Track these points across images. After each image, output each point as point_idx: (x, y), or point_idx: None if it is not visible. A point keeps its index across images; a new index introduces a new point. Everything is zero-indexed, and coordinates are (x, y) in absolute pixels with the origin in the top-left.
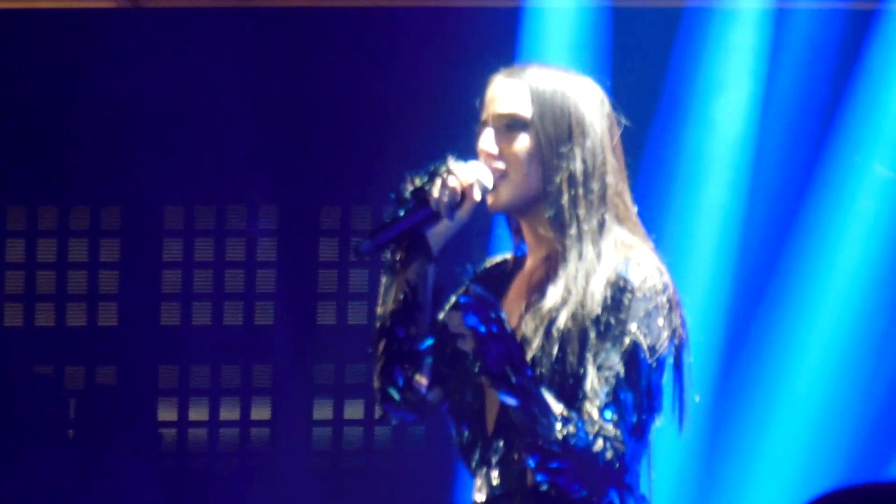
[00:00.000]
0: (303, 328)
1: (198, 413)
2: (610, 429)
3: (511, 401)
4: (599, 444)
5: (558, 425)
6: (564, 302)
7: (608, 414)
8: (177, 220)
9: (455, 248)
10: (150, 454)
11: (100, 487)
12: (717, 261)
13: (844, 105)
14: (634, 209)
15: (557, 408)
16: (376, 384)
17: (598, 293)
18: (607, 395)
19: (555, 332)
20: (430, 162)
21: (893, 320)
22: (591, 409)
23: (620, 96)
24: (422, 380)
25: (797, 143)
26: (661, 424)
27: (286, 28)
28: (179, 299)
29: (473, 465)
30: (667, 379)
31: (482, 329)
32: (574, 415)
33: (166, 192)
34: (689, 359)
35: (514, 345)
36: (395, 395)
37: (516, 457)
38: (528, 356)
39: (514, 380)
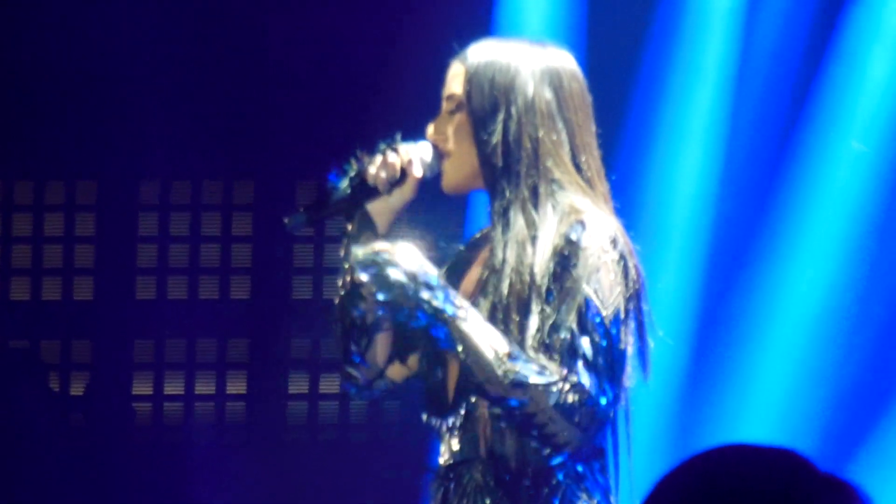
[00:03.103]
0: (278, 302)
1: (173, 387)
2: (565, 373)
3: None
4: (550, 378)
5: (497, 366)
6: (499, 274)
7: (558, 363)
8: (152, 195)
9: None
10: (125, 428)
11: (75, 461)
12: (689, 241)
13: (819, 81)
14: (593, 173)
15: (499, 349)
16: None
17: (540, 262)
18: (562, 350)
19: (492, 308)
20: (381, 141)
21: (866, 301)
22: (542, 359)
23: (595, 73)
24: (379, 355)
25: (772, 119)
26: (632, 384)
27: (269, 2)
28: (155, 273)
29: (437, 432)
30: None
31: (385, 295)
32: (520, 355)
33: (142, 167)
34: (647, 307)
35: (423, 293)
36: (354, 372)
37: (478, 422)
38: None
39: (437, 330)
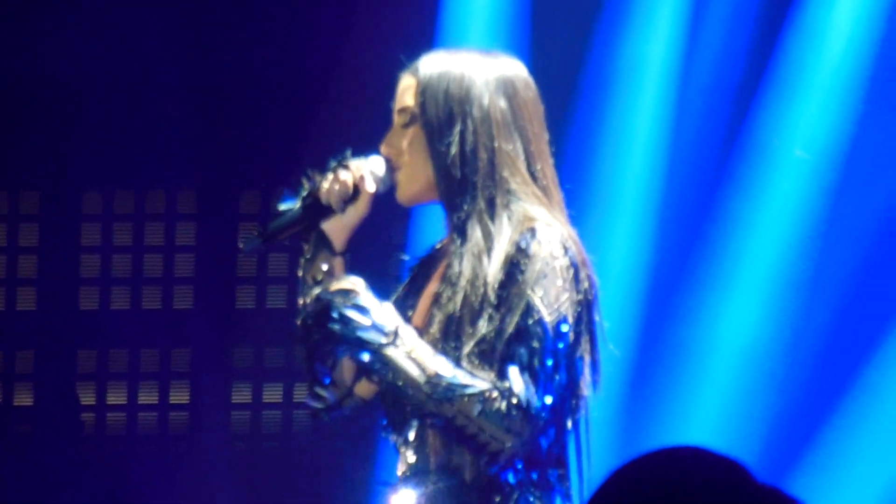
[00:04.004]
0: (221, 312)
1: (116, 397)
2: (496, 381)
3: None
4: (477, 388)
5: (425, 386)
6: (454, 286)
7: (494, 370)
8: (95, 205)
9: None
10: (70, 438)
11: (20, 471)
12: (634, 243)
13: (762, 86)
14: (549, 182)
15: (427, 367)
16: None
17: (492, 272)
18: (499, 356)
19: (447, 321)
20: (335, 156)
21: (811, 307)
22: (477, 369)
23: (540, 75)
24: (346, 373)
25: (715, 124)
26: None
27: (206, 7)
28: (98, 283)
29: (395, 445)
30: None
31: (320, 332)
32: (447, 371)
33: (84, 177)
34: (599, 318)
35: (353, 328)
36: (322, 392)
37: (429, 435)
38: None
39: (367, 359)
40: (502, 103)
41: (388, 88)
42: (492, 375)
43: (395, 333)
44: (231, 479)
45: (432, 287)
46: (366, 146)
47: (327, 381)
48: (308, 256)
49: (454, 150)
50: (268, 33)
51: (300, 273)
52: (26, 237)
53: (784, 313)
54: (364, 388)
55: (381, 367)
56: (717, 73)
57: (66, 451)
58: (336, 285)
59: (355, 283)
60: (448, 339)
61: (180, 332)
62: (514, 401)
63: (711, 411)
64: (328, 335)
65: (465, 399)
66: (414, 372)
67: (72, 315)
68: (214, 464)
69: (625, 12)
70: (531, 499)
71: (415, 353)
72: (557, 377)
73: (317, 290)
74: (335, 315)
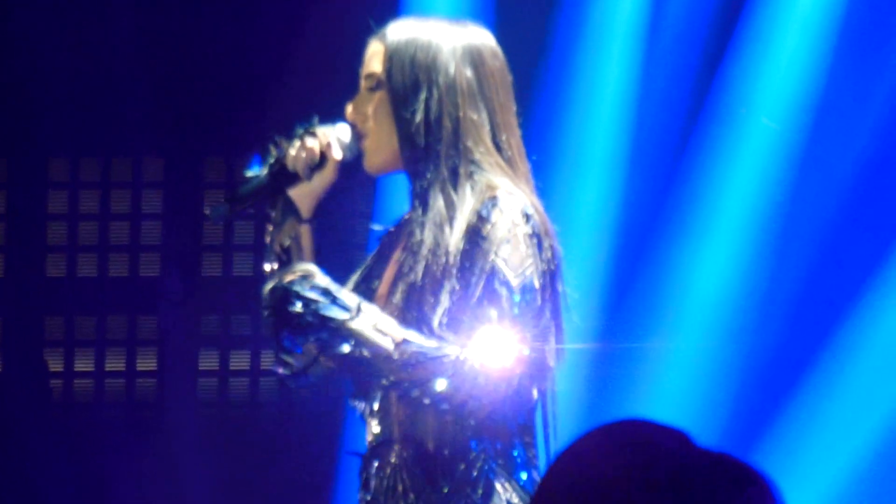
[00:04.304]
0: (188, 279)
1: (84, 364)
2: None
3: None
4: (447, 350)
5: (395, 353)
6: (416, 256)
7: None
8: (62, 172)
9: None
10: (37, 405)
11: None
12: (601, 213)
13: (731, 50)
14: (514, 152)
15: (394, 336)
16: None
17: (454, 242)
18: (468, 319)
19: (409, 290)
20: (298, 123)
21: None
22: (446, 332)
23: (505, 43)
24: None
25: (681, 90)
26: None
27: None
28: (65, 251)
29: (361, 414)
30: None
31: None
32: (415, 338)
33: (51, 144)
34: (563, 288)
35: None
36: (288, 359)
37: (392, 405)
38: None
39: (325, 336)
40: (469, 72)
41: (355, 54)
42: (462, 339)
43: (358, 308)
44: (197, 447)
45: (396, 255)
46: (331, 113)
47: (288, 344)
48: (275, 223)
49: (419, 117)
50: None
51: (267, 239)
52: None
53: (752, 282)
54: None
55: (342, 342)
56: (684, 38)
57: (34, 417)
58: (291, 274)
59: (309, 268)
60: (410, 308)
61: (147, 299)
62: (486, 360)
63: (678, 383)
64: (291, 320)
65: (437, 362)
66: (381, 341)
67: (39, 282)
68: (181, 431)
69: None
70: (494, 466)
71: (380, 325)
72: (526, 340)
73: (272, 283)
74: (295, 299)
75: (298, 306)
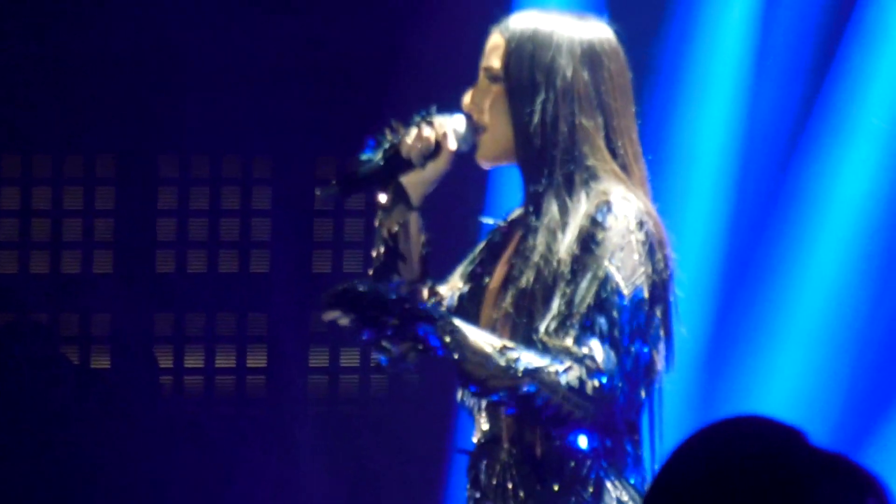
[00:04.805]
0: (298, 276)
1: (194, 360)
2: (575, 349)
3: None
4: (556, 358)
5: (499, 359)
6: (527, 261)
7: (572, 339)
8: (172, 169)
9: None
10: (148, 401)
11: (98, 434)
12: (705, 237)
13: (840, 55)
14: (630, 158)
15: (494, 343)
16: None
17: (566, 247)
18: (577, 325)
19: (519, 295)
20: (416, 113)
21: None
22: (554, 339)
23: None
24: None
25: (792, 93)
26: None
27: None
28: (175, 247)
29: (469, 411)
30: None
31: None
32: (517, 346)
33: (161, 141)
34: (675, 296)
35: (410, 311)
36: (387, 345)
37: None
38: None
39: (431, 342)
40: (586, 76)
41: (474, 45)
42: (567, 343)
43: (447, 315)
44: (307, 444)
45: (506, 257)
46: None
47: (390, 331)
48: (385, 209)
49: (536, 118)
50: (364, 6)
51: (376, 223)
52: (103, 201)
53: (863, 284)
54: None
55: (446, 347)
56: (795, 39)
57: (144, 413)
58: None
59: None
60: (521, 314)
61: (257, 295)
62: (594, 370)
63: (784, 391)
64: (385, 316)
65: (547, 369)
66: (484, 345)
67: (149, 278)
68: (291, 428)
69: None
70: (604, 464)
71: (475, 331)
72: (634, 349)
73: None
74: (392, 296)
75: (393, 298)
